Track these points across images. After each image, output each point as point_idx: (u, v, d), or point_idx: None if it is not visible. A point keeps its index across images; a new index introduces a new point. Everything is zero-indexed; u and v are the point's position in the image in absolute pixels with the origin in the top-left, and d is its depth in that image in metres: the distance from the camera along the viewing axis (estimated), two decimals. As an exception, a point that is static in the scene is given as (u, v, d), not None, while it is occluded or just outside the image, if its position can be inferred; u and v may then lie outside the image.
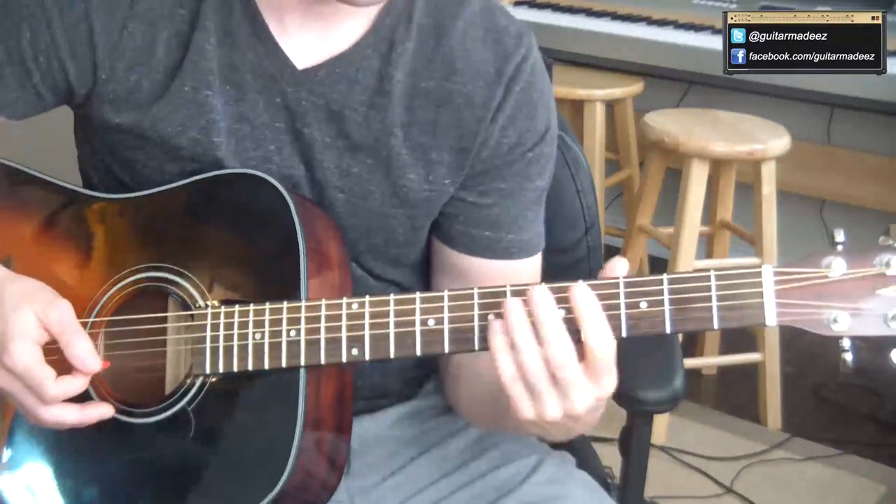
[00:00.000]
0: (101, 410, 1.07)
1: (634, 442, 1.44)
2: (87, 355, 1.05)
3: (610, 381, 0.96)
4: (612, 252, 3.19)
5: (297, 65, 1.12)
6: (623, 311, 0.97)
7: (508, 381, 0.96)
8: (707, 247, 3.06)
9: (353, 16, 1.11)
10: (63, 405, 1.05)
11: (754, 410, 2.79)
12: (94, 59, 1.12)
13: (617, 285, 0.97)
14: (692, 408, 2.76)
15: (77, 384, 1.05)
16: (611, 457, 1.49)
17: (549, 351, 0.94)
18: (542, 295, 0.95)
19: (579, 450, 1.33)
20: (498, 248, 1.18)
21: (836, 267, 0.94)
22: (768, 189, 2.68)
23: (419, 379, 1.30)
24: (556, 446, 1.27)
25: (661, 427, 2.63)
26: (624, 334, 0.96)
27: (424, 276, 1.27)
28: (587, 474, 1.23)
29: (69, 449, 1.12)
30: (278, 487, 1.02)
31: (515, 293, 0.99)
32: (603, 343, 0.94)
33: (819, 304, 0.94)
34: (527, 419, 0.97)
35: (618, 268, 0.97)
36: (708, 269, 0.97)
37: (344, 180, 1.14)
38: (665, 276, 0.96)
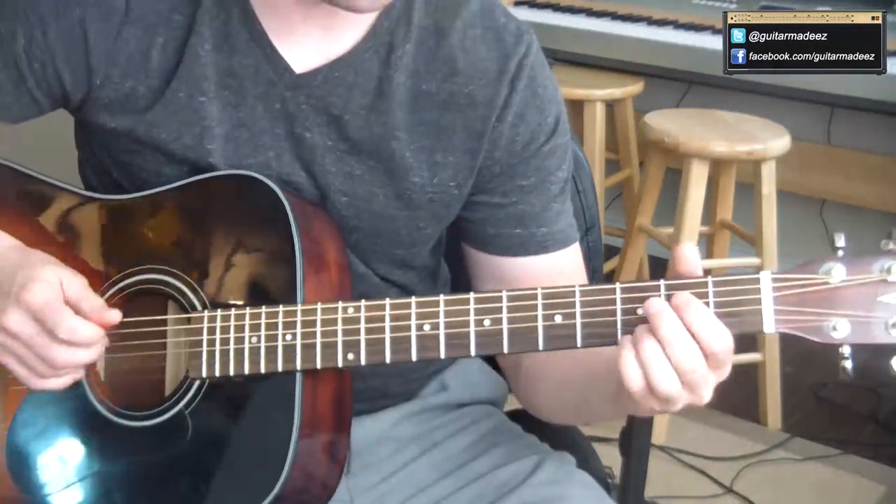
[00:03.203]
0: (114, 314, 1.07)
1: (634, 442, 1.44)
2: (104, 309, 1.07)
3: (729, 364, 0.96)
4: (612, 252, 3.19)
5: (296, 69, 1.11)
6: (619, 317, 0.97)
7: (639, 394, 0.95)
8: (707, 247, 3.06)
9: (351, 20, 1.10)
10: (84, 321, 1.05)
11: (754, 410, 2.78)
12: (88, 65, 1.11)
13: (614, 291, 0.97)
14: (692, 408, 2.76)
15: (91, 329, 1.05)
16: (611, 457, 1.49)
17: (677, 355, 0.93)
18: (659, 303, 0.94)
19: (579, 450, 1.33)
20: (531, 243, 1.18)
21: (836, 273, 0.93)
22: (768, 189, 2.68)
23: (420, 380, 1.30)
24: (556, 446, 1.27)
25: (661, 427, 2.63)
26: (620, 339, 0.96)
27: (431, 280, 1.27)
28: (587, 474, 1.23)
29: (67, 451, 1.12)
30: (276, 490, 1.02)
31: (513, 297, 0.99)
32: (720, 337, 0.94)
33: (818, 311, 0.93)
34: (652, 413, 0.97)
35: (687, 249, 0.97)
36: (706, 275, 0.96)
37: (347, 183, 1.14)
38: (662, 282, 0.96)
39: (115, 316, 1.07)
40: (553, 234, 1.19)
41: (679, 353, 0.93)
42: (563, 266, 1.19)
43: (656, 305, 0.95)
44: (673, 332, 0.93)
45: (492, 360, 1.36)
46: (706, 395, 0.96)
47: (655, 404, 0.96)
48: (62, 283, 1.05)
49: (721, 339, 0.94)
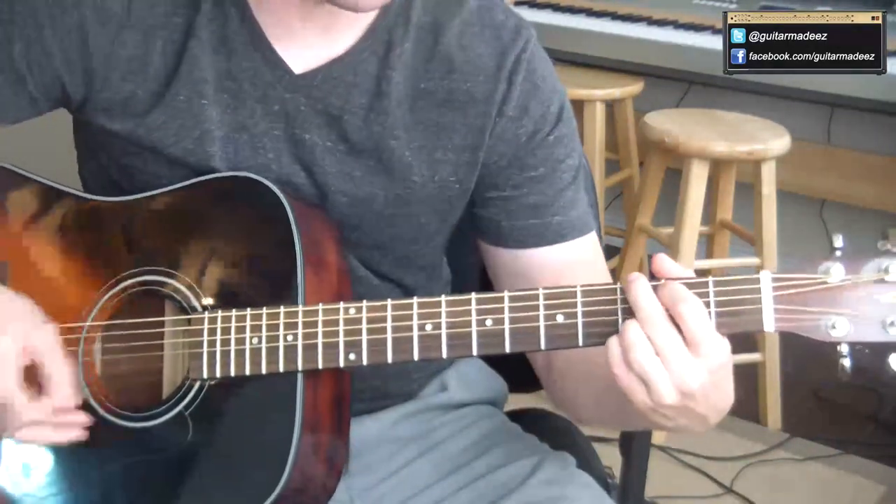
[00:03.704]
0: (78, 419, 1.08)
1: (634, 442, 1.44)
2: (69, 396, 1.06)
3: (714, 350, 0.94)
4: (612, 252, 3.19)
5: (295, 70, 1.11)
6: (620, 317, 0.97)
7: (618, 368, 0.95)
8: (707, 247, 3.06)
9: (350, 20, 1.10)
10: (36, 428, 1.06)
11: (754, 410, 2.79)
12: (87, 69, 1.11)
13: (615, 290, 0.97)
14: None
15: (48, 406, 1.05)
16: (611, 457, 1.49)
17: (652, 332, 0.94)
18: (637, 279, 0.95)
19: (579, 450, 1.33)
20: (547, 232, 1.17)
21: (835, 273, 0.94)
22: (768, 189, 2.68)
23: (420, 380, 1.30)
24: (556, 446, 1.27)
25: (661, 427, 2.63)
26: None
27: (431, 279, 1.27)
28: (587, 474, 1.23)
29: (66, 453, 1.12)
30: (276, 491, 1.02)
31: (514, 297, 0.99)
32: (691, 311, 0.93)
33: (817, 310, 0.94)
34: (645, 407, 0.96)
35: (665, 261, 0.97)
36: (706, 275, 0.96)
37: (347, 184, 1.14)
38: (663, 282, 0.96)
39: (80, 418, 1.08)
40: (569, 221, 1.18)
41: (647, 314, 0.93)
42: (583, 254, 1.19)
43: (633, 276, 0.95)
44: (645, 297, 0.94)
45: (492, 361, 1.36)
46: (691, 383, 0.94)
47: (641, 391, 0.95)
48: (24, 345, 1.04)
49: (688, 301, 0.93)
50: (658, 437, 2.61)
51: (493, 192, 1.17)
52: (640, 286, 0.95)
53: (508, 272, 1.20)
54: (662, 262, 0.97)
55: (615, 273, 3.05)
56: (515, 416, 1.37)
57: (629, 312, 0.96)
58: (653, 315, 0.94)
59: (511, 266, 1.20)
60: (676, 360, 0.93)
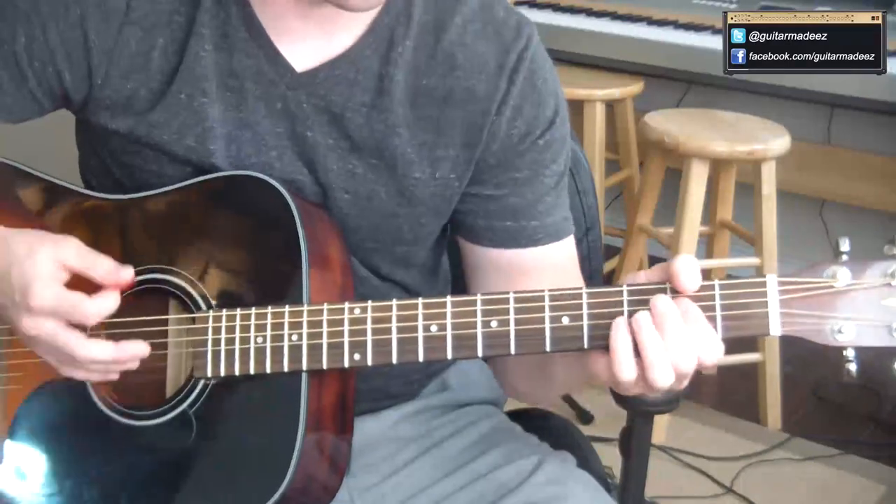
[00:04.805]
0: (137, 346, 1.06)
1: (635, 442, 1.44)
2: (114, 268, 1.05)
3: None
4: (612, 252, 3.19)
5: (297, 68, 1.11)
6: (626, 319, 0.96)
7: (627, 384, 0.96)
8: (707, 247, 3.06)
9: (350, 18, 1.10)
10: (98, 340, 1.05)
11: (754, 410, 2.78)
12: (88, 65, 1.12)
13: (620, 293, 0.97)
14: (692, 408, 2.76)
15: (111, 299, 1.05)
16: (611, 457, 1.49)
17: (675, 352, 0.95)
18: (666, 302, 0.95)
19: (579, 450, 1.33)
20: (522, 236, 1.18)
21: (841, 277, 0.93)
22: (768, 189, 2.68)
23: (421, 381, 1.30)
24: (556, 446, 1.27)
25: (661, 427, 2.63)
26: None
27: (432, 278, 1.27)
28: (588, 474, 1.23)
29: (69, 450, 1.12)
30: (280, 491, 1.02)
31: (520, 299, 0.99)
32: (714, 347, 0.95)
33: (823, 314, 0.94)
34: (630, 387, 0.97)
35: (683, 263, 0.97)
36: (707, 276, 0.96)
37: (349, 182, 1.14)
38: (668, 286, 0.96)
39: (129, 273, 1.06)
40: (545, 227, 1.18)
41: (677, 354, 0.94)
42: (555, 258, 1.19)
43: (663, 304, 0.95)
44: (676, 331, 0.94)
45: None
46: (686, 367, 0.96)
47: (638, 389, 0.97)
48: (62, 262, 1.04)
49: (715, 349, 0.95)
50: (658, 437, 2.61)
51: (475, 187, 1.17)
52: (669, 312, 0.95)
53: (477, 267, 1.21)
54: (685, 275, 0.96)
55: (615, 273, 3.05)
56: (515, 415, 1.37)
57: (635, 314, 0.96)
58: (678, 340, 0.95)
59: (481, 262, 1.20)
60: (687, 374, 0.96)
